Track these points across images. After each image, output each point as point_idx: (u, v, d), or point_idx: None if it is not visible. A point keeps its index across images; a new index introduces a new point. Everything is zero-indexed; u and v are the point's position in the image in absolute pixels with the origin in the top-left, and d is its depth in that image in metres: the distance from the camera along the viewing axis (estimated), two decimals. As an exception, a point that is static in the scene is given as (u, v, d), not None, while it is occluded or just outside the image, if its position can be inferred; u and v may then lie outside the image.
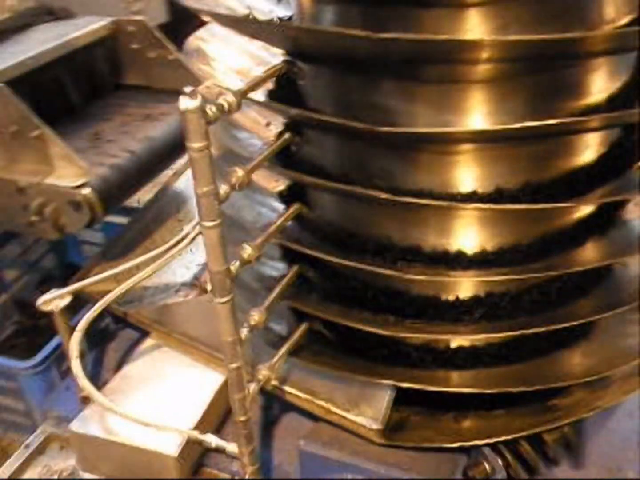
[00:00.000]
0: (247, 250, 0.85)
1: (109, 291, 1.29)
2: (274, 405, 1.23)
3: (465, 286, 0.98)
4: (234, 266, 0.82)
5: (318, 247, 1.02)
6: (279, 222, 0.91)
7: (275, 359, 0.97)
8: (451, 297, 0.99)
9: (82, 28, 1.58)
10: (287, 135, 0.90)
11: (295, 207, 0.95)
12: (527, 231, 0.99)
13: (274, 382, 1.12)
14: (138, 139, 1.44)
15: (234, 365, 0.86)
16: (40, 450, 1.26)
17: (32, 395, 1.35)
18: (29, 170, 1.34)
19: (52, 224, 1.32)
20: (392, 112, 0.92)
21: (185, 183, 1.62)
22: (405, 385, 0.97)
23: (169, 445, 1.05)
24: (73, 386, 1.34)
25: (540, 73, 0.89)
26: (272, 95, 1.01)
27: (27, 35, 1.55)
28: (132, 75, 1.70)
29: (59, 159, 1.32)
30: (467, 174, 0.95)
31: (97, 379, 1.35)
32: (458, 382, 1.03)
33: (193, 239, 1.36)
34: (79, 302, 1.33)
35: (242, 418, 0.91)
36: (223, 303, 0.81)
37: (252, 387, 0.92)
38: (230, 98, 0.74)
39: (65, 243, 1.93)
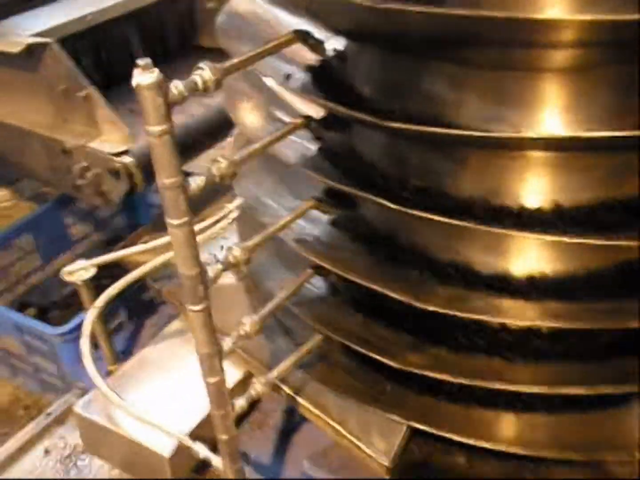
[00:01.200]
0: (234, 252, 0.73)
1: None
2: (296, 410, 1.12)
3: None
4: (214, 269, 0.70)
5: (345, 249, 0.89)
6: (279, 224, 0.78)
7: (275, 373, 0.85)
8: (486, 328, 0.83)
9: (154, -16, 1.50)
10: (298, 122, 0.76)
11: (307, 205, 0.81)
12: (596, 259, 0.80)
13: (288, 391, 1.01)
14: (192, 108, 1.35)
15: (211, 380, 0.75)
16: (60, 420, 1.23)
17: (64, 361, 1.33)
18: (78, 131, 1.30)
19: (94, 190, 1.27)
20: (439, 100, 0.77)
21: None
22: (413, 424, 0.82)
23: (165, 444, 0.97)
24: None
25: (630, 63, 0.70)
26: (316, 75, 0.87)
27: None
28: (205, 37, 1.61)
29: (105, 123, 1.26)
30: (525, 183, 0.78)
31: (129, 352, 1.31)
32: (487, 431, 0.86)
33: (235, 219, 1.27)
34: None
35: (224, 437, 0.81)
36: (196, 311, 0.70)
37: (238, 404, 0.80)
38: (207, 75, 0.61)
39: (135, 205, 1.91)
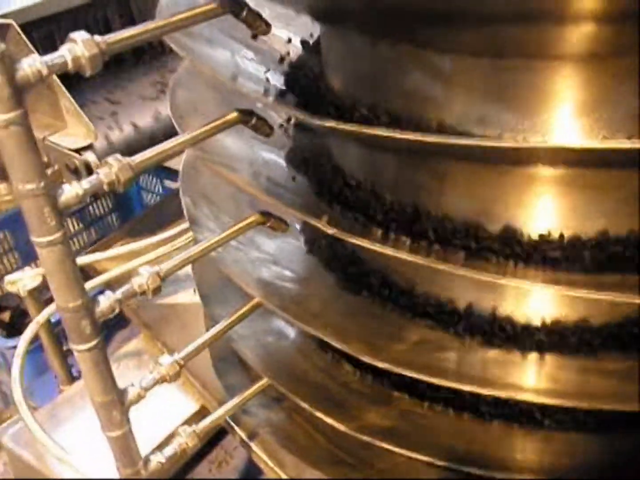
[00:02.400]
0: (140, 279, 0.58)
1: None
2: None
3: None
4: (108, 300, 0.55)
5: (297, 276, 0.73)
6: (208, 244, 0.62)
7: (202, 425, 0.70)
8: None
9: (144, -36, 1.36)
10: (231, 116, 0.60)
11: (249, 221, 0.65)
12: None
13: (242, 435, 0.86)
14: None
15: (112, 434, 0.61)
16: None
17: (20, 375, 1.21)
18: (44, 123, 1.17)
19: (56, 189, 1.14)
20: (416, 95, 0.60)
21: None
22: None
23: (90, 492, 0.83)
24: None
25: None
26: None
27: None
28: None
29: (69, 115, 1.12)
30: (526, 206, 0.60)
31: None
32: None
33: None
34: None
35: (137, 499, 0.66)
36: (81, 351, 0.55)
37: (155, 460, 0.65)
38: (80, 50, 0.46)
39: (130, 202, 1.78)
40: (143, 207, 1.78)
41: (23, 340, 0.94)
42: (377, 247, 0.52)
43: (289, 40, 0.79)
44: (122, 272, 1.08)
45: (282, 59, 0.74)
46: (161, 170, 1.63)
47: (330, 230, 0.53)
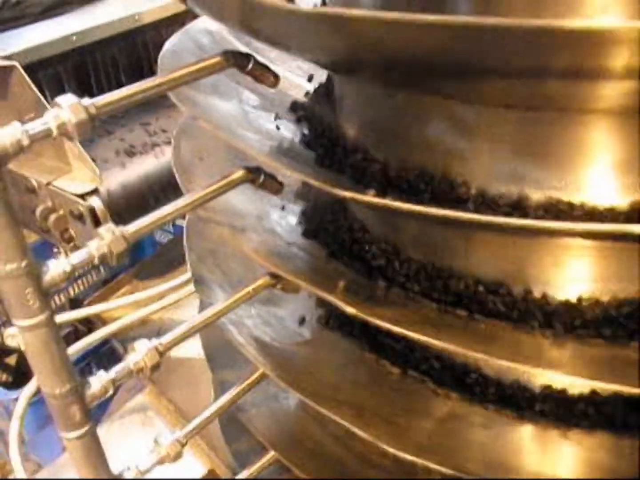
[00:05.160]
0: (137, 355, 0.53)
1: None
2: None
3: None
4: (100, 382, 0.50)
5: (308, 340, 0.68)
6: (201, 319, 0.57)
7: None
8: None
9: (153, 1, 1.34)
10: (237, 175, 0.55)
11: (257, 285, 0.60)
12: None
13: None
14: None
15: (108, 525, 0.55)
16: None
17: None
18: (48, 167, 1.13)
19: (60, 233, 1.10)
20: (440, 150, 0.55)
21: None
22: None
23: None
24: (62, 430, 1.13)
25: None
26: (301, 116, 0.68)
27: (93, 7, 1.34)
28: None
29: (74, 158, 1.09)
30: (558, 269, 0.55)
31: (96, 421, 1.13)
32: None
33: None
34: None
35: None
36: (71, 439, 0.50)
37: None
38: (67, 115, 0.42)
39: (142, 240, 1.74)
40: (154, 244, 1.74)
41: (22, 399, 0.89)
42: (399, 330, 0.47)
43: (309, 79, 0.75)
44: (128, 323, 1.03)
45: (294, 106, 0.70)
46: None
47: (349, 310, 0.47)
